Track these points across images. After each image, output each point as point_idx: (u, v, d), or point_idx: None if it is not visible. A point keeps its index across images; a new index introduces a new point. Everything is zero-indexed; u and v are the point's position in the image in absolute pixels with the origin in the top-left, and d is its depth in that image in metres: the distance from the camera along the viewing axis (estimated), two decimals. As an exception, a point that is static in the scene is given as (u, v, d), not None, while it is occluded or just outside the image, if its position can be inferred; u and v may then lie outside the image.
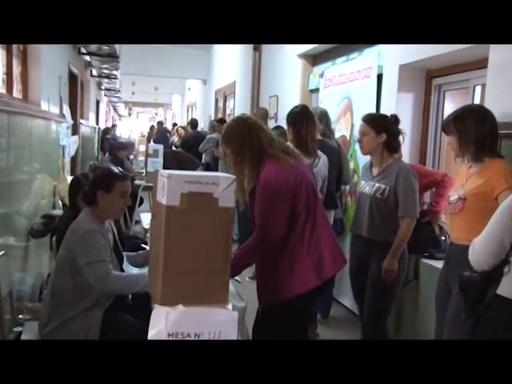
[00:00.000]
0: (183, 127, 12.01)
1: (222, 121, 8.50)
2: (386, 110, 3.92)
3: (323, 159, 3.70)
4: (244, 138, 2.50)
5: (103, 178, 2.67)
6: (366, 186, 3.22)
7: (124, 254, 2.85)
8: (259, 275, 2.60)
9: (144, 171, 7.49)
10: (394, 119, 3.17)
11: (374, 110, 4.16)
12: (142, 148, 11.58)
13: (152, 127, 14.32)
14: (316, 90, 5.82)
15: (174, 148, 10.83)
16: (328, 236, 2.56)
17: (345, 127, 4.80)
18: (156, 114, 32.82)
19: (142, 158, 9.73)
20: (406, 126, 3.86)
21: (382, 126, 3.13)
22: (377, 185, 3.14)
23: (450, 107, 3.84)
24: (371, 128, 3.14)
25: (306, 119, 3.53)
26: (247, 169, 2.49)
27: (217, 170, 7.38)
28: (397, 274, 3.08)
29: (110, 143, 9.30)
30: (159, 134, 13.00)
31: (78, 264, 2.48)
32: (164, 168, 6.80)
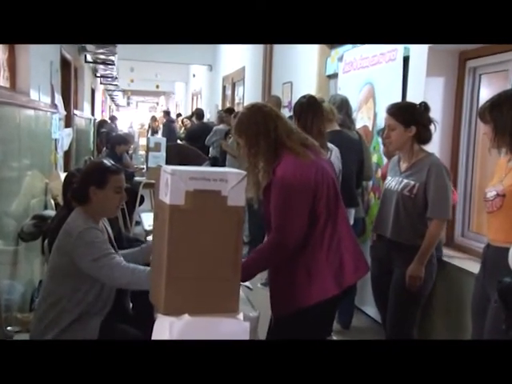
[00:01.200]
0: (189, 118, 12.00)
1: (230, 111, 8.51)
2: (414, 97, 3.90)
3: (335, 152, 3.70)
4: (259, 128, 2.49)
5: (95, 172, 2.68)
6: (393, 182, 3.20)
7: (122, 252, 2.87)
8: (273, 281, 2.60)
9: (145, 167, 7.52)
10: (424, 108, 3.14)
11: (399, 97, 4.14)
12: (143, 141, 11.58)
13: (153, 118, 14.25)
14: (334, 76, 5.81)
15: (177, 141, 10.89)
16: (350, 239, 2.56)
17: (367, 116, 4.78)
18: (157, 103, 32.93)
19: (142, 153, 9.74)
20: (435, 115, 3.83)
21: (411, 118, 3.10)
22: (405, 181, 3.12)
23: (486, 93, 3.80)
24: (398, 122, 3.10)
25: (312, 111, 3.51)
26: (262, 162, 2.49)
27: (225, 165, 7.40)
28: (423, 281, 3.06)
29: (106, 137, 9.35)
30: (166, 126, 12.94)
31: (78, 266, 2.49)
32: (167, 163, 6.81)
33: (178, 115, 15.58)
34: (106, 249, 2.51)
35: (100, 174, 2.66)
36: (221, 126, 9.02)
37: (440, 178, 3.02)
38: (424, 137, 3.13)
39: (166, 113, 14.94)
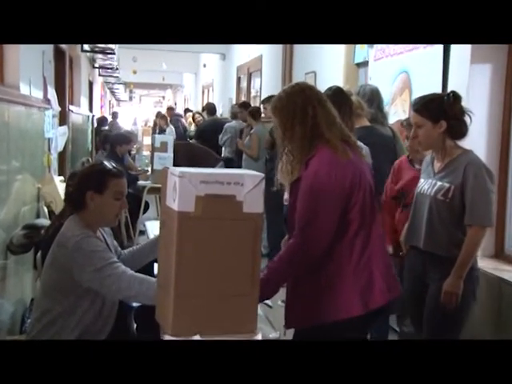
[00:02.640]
0: (200, 113, 12.00)
1: (245, 105, 8.55)
2: (456, 86, 3.88)
3: (365, 151, 3.70)
4: (296, 110, 2.51)
5: (93, 175, 2.70)
6: (425, 185, 3.17)
7: (130, 249, 2.91)
8: (289, 291, 2.60)
9: (149, 169, 7.56)
10: (453, 97, 3.08)
11: (439, 88, 4.13)
12: (147, 140, 11.64)
13: (160, 115, 14.15)
14: (364, 64, 5.80)
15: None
16: (382, 255, 2.55)
17: (401, 110, 4.78)
18: (163, 97, 33.12)
19: (146, 153, 9.79)
20: (481, 107, 3.81)
21: (438, 112, 3.06)
22: (439, 183, 3.09)
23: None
24: (425, 117, 3.07)
25: (338, 105, 3.50)
26: (295, 150, 2.51)
27: (240, 167, 7.42)
28: (462, 298, 3.00)
29: (105, 135, 9.40)
30: (172, 120, 12.93)
31: (77, 281, 2.51)
32: (174, 165, 6.84)
33: (187, 110, 15.56)
34: (109, 257, 2.52)
35: (99, 178, 2.67)
36: (233, 123, 9.05)
37: (479, 178, 2.98)
38: (458, 131, 3.08)
39: (170, 109, 14.95)
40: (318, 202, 2.41)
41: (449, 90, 4.02)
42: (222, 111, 12.96)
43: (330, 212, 2.42)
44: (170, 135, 9.80)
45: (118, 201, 2.69)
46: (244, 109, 8.21)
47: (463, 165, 3.02)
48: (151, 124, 17.17)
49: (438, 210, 3.07)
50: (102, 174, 2.69)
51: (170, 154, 7.09)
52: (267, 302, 2.68)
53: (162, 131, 11.51)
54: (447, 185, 3.04)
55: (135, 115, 25.43)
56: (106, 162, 2.77)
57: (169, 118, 12.68)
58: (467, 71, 3.95)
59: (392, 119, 4.75)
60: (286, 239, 2.77)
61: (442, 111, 3.05)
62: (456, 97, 3.08)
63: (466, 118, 3.11)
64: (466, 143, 3.14)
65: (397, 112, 4.84)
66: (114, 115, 15.62)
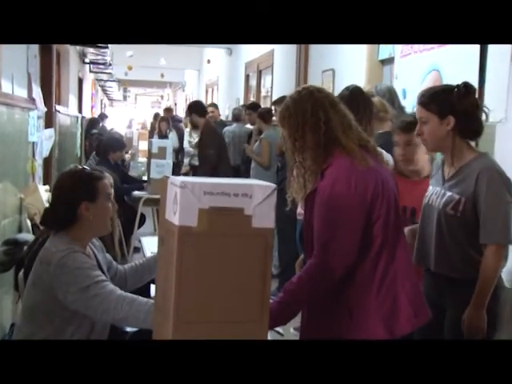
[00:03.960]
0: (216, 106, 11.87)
1: (255, 106, 8.53)
2: (494, 86, 3.89)
3: (387, 158, 3.69)
4: (306, 117, 2.54)
5: (81, 184, 2.75)
6: (434, 195, 3.04)
7: (126, 265, 2.95)
8: (304, 319, 2.61)
9: (146, 178, 7.59)
10: (465, 89, 2.95)
11: (475, 85, 4.11)
12: (143, 146, 11.62)
13: (159, 117, 13.96)
14: (389, 61, 5.81)
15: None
16: (409, 276, 2.55)
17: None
18: (162, 96, 33.23)
19: (142, 160, 9.81)
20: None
21: (446, 105, 2.94)
22: (448, 194, 2.95)
23: None
24: (431, 112, 2.96)
25: (356, 107, 3.50)
26: (309, 160, 2.52)
27: (248, 176, 7.42)
28: (488, 327, 2.84)
29: (97, 141, 9.43)
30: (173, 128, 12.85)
31: (61, 302, 2.53)
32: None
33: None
34: (96, 275, 2.54)
35: (87, 185, 2.74)
36: (232, 127, 9.07)
37: (493, 187, 2.83)
38: (468, 129, 2.96)
39: (168, 110, 14.80)
40: (338, 215, 2.42)
41: (486, 90, 4.03)
42: (228, 112, 12.98)
43: (352, 226, 2.43)
44: (171, 141, 9.75)
45: (109, 201, 2.80)
46: (253, 111, 8.21)
47: (476, 172, 2.88)
48: (149, 126, 17.05)
49: (448, 226, 2.94)
50: (90, 180, 2.76)
51: (168, 161, 7.11)
52: (278, 329, 2.68)
53: (163, 136, 11.25)
54: (457, 196, 2.92)
55: (131, 117, 25.38)
56: (85, 167, 2.86)
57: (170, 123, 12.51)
58: (507, 70, 3.95)
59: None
60: (301, 260, 2.77)
61: (450, 105, 2.93)
62: (468, 89, 2.96)
63: (482, 115, 3.01)
64: (502, 149, 3.12)
65: (427, 115, 4.84)
66: (101, 117, 15.20)
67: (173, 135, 11.72)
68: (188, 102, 22.79)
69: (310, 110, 2.54)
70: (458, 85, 2.96)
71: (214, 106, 10.94)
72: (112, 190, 2.84)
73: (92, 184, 2.74)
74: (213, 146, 7.57)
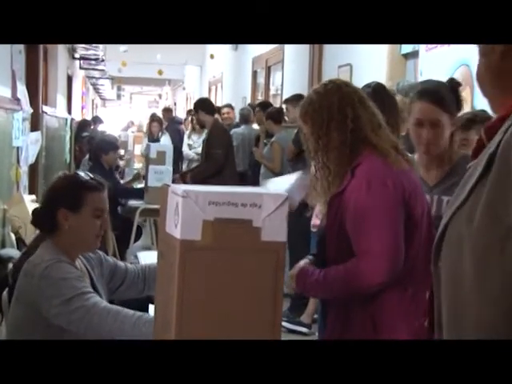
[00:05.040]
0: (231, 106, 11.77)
1: (265, 105, 8.47)
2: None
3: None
4: (332, 113, 2.55)
5: (66, 189, 2.75)
6: (434, 205, 2.99)
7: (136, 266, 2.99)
8: (323, 328, 2.62)
9: (143, 186, 7.58)
10: (456, 84, 3.08)
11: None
12: (139, 149, 11.59)
13: (154, 117, 13.73)
14: (413, 55, 5.82)
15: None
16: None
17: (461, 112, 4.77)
18: (160, 95, 33.29)
19: (138, 166, 9.80)
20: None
21: (453, 102, 3.03)
22: (446, 199, 2.92)
23: None
24: (444, 110, 2.99)
25: (382, 106, 3.50)
26: (333, 162, 2.52)
27: (255, 183, 7.42)
28: None
29: (88, 143, 9.43)
30: (169, 128, 12.62)
31: (45, 316, 2.53)
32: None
33: (190, 112, 15.43)
34: (81, 287, 2.55)
35: (73, 192, 2.72)
36: (240, 129, 9.01)
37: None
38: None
39: (167, 111, 14.54)
40: (380, 212, 2.42)
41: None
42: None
43: (396, 224, 2.43)
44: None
45: (97, 219, 2.74)
46: (263, 109, 8.14)
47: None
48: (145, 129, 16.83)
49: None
50: (77, 188, 2.73)
51: (168, 167, 7.07)
52: (301, 328, 2.74)
53: (154, 140, 10.96)
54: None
55: (128, 118, 25.30)
56: (81, 173, 2.82)
57: (165, 124, 12.19)
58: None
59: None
60: None
61: (454, 101, 3.03)
62: (454, 84, 3.08)
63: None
64: None
65: (455, 115, 4.84)
66: (95, 121, 14.98)
67: (165, 139, 11.35)
68: (188, 102, 22.94)
69: (336, 105, 2.55)
70: (448, 80, 3.11)
71: (230, 106, 10.76)
72: (107, 206, 2.80)
73: (77, 192, 2.71)
74: (221, 146, 7.54)
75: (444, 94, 3.02)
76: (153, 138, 11.19)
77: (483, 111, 3.57)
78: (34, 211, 2.88)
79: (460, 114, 3.80)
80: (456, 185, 2.90)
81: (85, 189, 2.73)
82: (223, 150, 7.50)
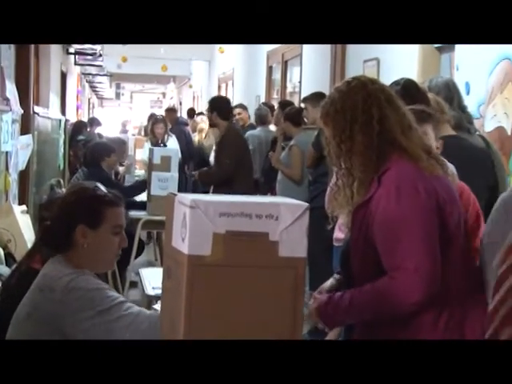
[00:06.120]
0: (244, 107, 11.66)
1: (285, 104, 8.39)
2: None
3: (451, 170, 3.68)
4: (356, 114, 2.54)
5: (85, 204, 2.75)
6: None
7: None
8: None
9: (145, 195, 7.58)
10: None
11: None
12: (141, 154, 11.54)
13: (158, 118, 13.48)
14: (449, 48, 5.81)
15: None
16: (480, 317, 2.54)
17: (502, 112, 4.76)
18: (163, 94, 33.36)
19: (140, 172, 9.80)
20: None
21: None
22: None
23: None
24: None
25: (411, 105, 3.51)
26: (357, 168, 2.52)
27: (270, 191, 7.39)
28: None
29: (85, 147, 9.42)
30: (173, 130, 12.47)
31: (67, 332, 2.54)
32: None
33: (194, 113, 15.35)
34: (115, 296, 2.58)
35: (93, 207, 2.73)
36: (257, 131, 8.96)
37: None
38: None
39: (170, 111, 14.25)
40: (414, 222, 2.41)
41: None
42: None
43: (431, 234, 2.41)
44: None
45: (116, 236, 2.76)
46: (282, 109, 8.00)
47: None
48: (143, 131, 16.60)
49: None
50: (97, 203, 2.74)
51: (174, 174, 7.03)
52: None
53: (158, 144, 10.40)
54: None
55: (127, 119, 25.38)
56: (99, 186, 2.82)
57: (169, 126, 11.86)
58: None
59: (489, 125, 4.73)
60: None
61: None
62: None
63: None
64: None
65: (496, 115, 4.82)
66: (91, 123, 14.63)
67: (172, 142, 10.99)
68: (195, 101, 22.95)
69: (361, 105, 2.54)
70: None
71: (242, 107, 10.66)
72: (125, 223, 2.82)
73: (97, 207, 2.72)
74: (231, 156, 7.49)
75: None
76: (157, 142, 10.70)
77: None
78: (45, 227, 2.87)
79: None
80: None
81: (105, 204, 2.75)
82: (232, 161, 7.44)
